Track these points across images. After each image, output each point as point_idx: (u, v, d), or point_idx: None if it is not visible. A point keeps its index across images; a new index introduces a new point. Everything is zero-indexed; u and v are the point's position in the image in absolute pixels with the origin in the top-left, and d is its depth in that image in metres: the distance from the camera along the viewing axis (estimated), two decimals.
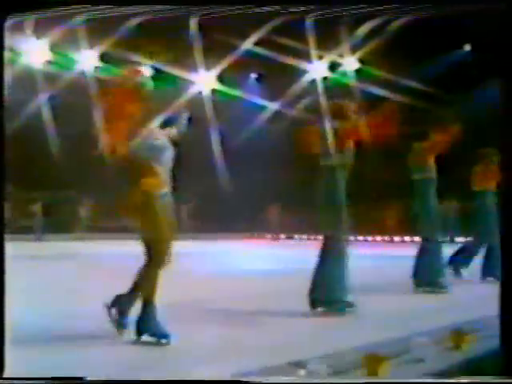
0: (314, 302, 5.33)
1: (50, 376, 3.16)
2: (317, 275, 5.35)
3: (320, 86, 22.12)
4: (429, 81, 19.79)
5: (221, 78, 22.31)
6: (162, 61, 20.20)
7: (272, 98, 23.59)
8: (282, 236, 24.25)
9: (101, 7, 10.38)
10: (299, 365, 3.33)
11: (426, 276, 6.86)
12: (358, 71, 22.01)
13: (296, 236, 23.74)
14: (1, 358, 3.22)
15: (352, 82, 21.91)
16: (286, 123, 22.86)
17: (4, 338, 3.26)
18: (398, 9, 15.43)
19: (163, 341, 4.14)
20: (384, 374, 3.43)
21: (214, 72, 21.82)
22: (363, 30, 18.46)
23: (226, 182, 22.10)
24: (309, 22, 16.68)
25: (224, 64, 20.51)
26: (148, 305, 4.21)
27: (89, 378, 3.16)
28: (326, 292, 5.29)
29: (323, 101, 20.61)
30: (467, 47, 20.52)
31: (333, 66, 22.34)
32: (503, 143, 3.71)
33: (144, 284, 4.23)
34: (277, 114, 23.64)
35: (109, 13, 11.29)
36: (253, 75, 24.26)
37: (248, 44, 18.70)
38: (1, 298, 3.28)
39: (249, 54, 19.49)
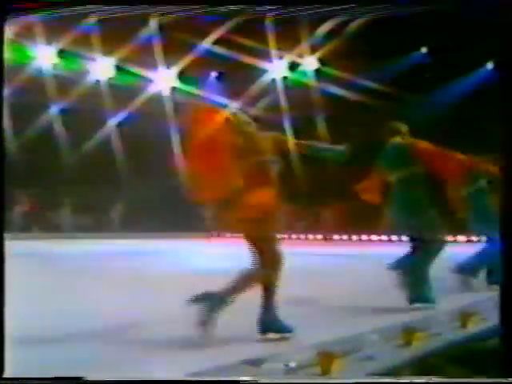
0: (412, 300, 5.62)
1: (49, 376, 3.16)
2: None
3: (280, 86, 22.33)
4: (387, 81, 20.09)
5: (181, 77, 22.26)
6: (123, 58, 20.06)
7: (233, 97, 23.63)
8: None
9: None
10: (255, 363, 3.39)
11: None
12: (317, 71, 22.20)
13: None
14: (1, 357, 3.21)
15: (311, 81, 22.11)
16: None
17: (4, 337, 3.24)
18: (357, 9, 15.63)
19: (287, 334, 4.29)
20: (337, 371, 3.49)
21: (174, 70, 21.78)
22: (322, 30, 18.65)
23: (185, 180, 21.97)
24: (269, 21, 16.78)
25: (184, 62, 20.49)
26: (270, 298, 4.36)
27: (89, 378, 3.17)
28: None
29: (283, 100, 20.77)
30: (424, 49, 20.78)
31: (293, 66, 22.47)
32: (503, 142, 3.77)
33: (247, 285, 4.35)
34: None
35: (70, 10, 11.18)
36: (213, 74, 24.25)
37: (207, 43, 18.71)
38: (1, 298, 3.27)
39: (209, 53, 19.49)
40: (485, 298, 5.47)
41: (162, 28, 17.49)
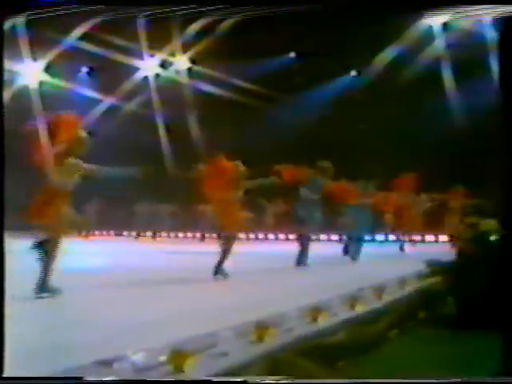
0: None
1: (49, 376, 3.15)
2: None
3: (152, 83, 22.16)
4: (258, 81, 20.44)
5: (49, 70, 21.58)
6: None
7: (106, 92, 23.18)
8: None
9: None
10: (105, 363, 3.40)
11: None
12: (189, 69, 22.24)
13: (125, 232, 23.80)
14: (1, 358, 3.20)
15: (184, 79, 22.11)
16: (121, 118, 22.61)
17: (4, 337, 3.22)
18: (228, 9, 15.81)
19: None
20: (189, 369, 3.57)
21: (41, 63, 21.09)
22: (194, 29, 18.69)
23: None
24: (140, 19, 16.63)
25: (51, 56, 19.87)
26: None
27: (88, 378, 3.18)
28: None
29: (156, 97, 20.55)
30: (293, 53, 21.24)
31: (165, 64, 22.38)
32: (504, 144, 3.90)
33: None
34: (112, 108, 23.26)
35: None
36: (84, 69, 23.64)
37: (76, 39, 18.24)
38: (1, 297, 3.28)
39: (79, 49, 19.03)
40: (335, 295, 5.78)
41: (29, 22, 16.81)
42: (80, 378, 3.22)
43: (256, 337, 4.28)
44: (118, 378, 3.32)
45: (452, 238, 12.46)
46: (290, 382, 3.69)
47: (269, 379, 3.61)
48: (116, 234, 24.13)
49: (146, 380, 3.35)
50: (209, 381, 3.45)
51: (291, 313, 4.92)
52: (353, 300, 5.56)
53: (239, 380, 3.42)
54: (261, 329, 4.32)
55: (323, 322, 4.93)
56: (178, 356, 3.57)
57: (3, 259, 3.43)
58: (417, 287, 7.03)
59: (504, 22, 3.94)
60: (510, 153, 3.96)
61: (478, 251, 6.62)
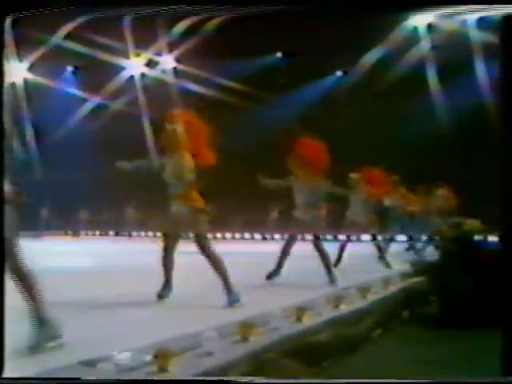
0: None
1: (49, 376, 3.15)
2: None
3: (138, 83, 22.13)
4: (244, 80, 20.48)
5: (34, 69, 21.48)
6: None
7: (91, 92, 23.11)
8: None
9: None
10: (89, 364, 3.39)
11: None
12: (175, 68, 22.23)
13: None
14: (1, 357, 3.19)
15: (170, 79, 22.11)
16: (107, 116, 22.57)
17: (4, 337, 3.21)
18: (214, 9, 15.79)
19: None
20: (174, 369, 3.56)
21: (26, 63, 20.99)
22: (179, 28, 18.68)
23: (40, 176, 21.38)
24: (126, 19, 16.57)
25: (35, 56, 19.77)
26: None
27: (88, 378, 3.18)
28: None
29: (142, 96, 20.50)
30: (279, 53, 21.30)
31: (150, 64, 22.36)
32: (503, 141, 3.90)
33: None
34: (98, 107, 23.21)
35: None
36: (69, 68, 23.58)
37: (59, 38, 18.16)
38: (1, 297, 3.27)
39: (64, 48, 18.96)
40: (318, 295, 5.79)
41: (13, 21, 16.73)
42: (79, 378, 3.21)
43: (241, 336, 4.28)
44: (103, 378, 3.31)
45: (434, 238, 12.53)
46: (275, 381, 3.69)
47: (253, 379, 3.60)
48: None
49: (146, 380, 3.33)
50: (194, 380, 3.44)
51: (276, 312, 4.93)
52: (337, 299, 5.58)
53: (224, 379, 3.42)
54: (245, 328, 4.33)
55: (308, 321, 4.94)
56: (161, 355, 3.56)
57: (3, 261, 3.42)
58: (400, 287, 7.06)
59: (504, 22, 3.95)
60: (507, 152, 3.98)
61: (461, 251, 6.67)
